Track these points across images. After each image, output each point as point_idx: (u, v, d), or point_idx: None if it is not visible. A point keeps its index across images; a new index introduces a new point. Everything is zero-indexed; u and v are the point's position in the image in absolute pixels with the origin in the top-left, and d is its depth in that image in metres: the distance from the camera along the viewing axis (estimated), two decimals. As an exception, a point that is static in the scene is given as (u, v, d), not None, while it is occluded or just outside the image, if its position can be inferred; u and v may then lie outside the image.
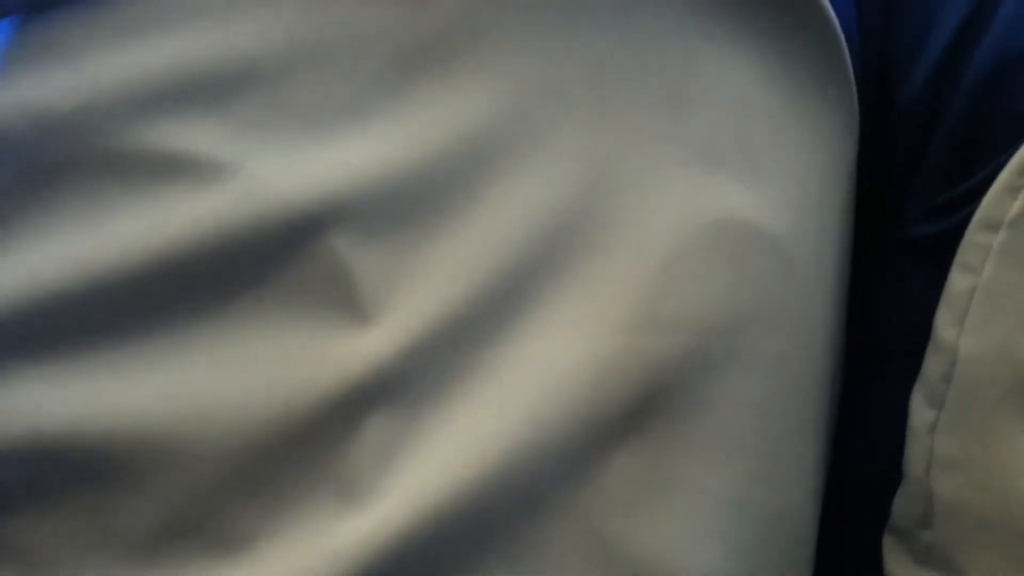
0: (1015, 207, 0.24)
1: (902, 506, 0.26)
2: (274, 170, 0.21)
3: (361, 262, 0.21)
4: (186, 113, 0.21)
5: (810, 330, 0.26)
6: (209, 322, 0.21)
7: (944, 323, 0.25)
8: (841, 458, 0.28)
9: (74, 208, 0.21)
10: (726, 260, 0.24)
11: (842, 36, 0.26)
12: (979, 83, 0.26)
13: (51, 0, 0.21)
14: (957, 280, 0.25)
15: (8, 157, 0.21)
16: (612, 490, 0.22)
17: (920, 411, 0.25)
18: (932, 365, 0.25)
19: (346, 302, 0.21)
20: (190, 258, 0.21)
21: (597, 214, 0.23)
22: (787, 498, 0.25)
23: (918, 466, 0.25)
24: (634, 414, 0.22)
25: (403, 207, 0.22)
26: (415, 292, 0.22)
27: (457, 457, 0.21)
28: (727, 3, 0.24)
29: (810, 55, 0.26)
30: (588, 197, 0.23)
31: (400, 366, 0.21)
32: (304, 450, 0.21)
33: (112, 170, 0.21)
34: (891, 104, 0.28)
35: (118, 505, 0.21)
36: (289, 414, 0.21)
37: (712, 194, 0.24)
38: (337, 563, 0.21)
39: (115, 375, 0.21)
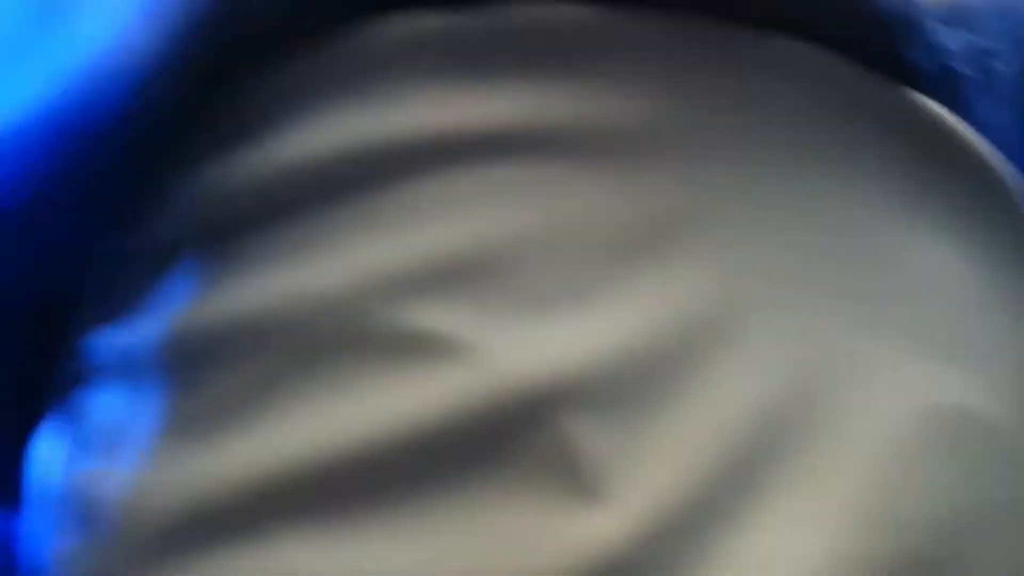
0: None
1: None
2: (508, 349, 0.22)
3: (591, 442, 0.22)
4: (433, 296, 0.23)
5: None
6: (446, 495, 0.22)
7: None
8: None
9: (336, 383, 0.23)
10: (952, 452, 0.24)
11: None
12: None
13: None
14: None
15: (281, 338, 0.23)
16: None
17: None
18: None
19: (575, 481, 0.22)
20: (431, 431, 0.22)
21: (817, 403, 0.23)
22: None
23: None
24: None
25: (627, 389, 0.23)
26: (642, 476, 0.22)
27: None
28: (927, 191, 0.26)
29: (1012, 234, 0.27)
30: (806, 385, 0.23)
31: (629, 550, 0.21)
32: None
33: (369, 348, 0.23)
34: None
35: None
36: None
37: (932, 383, 0.24)
38: None
39: (369, 540, 0.22)
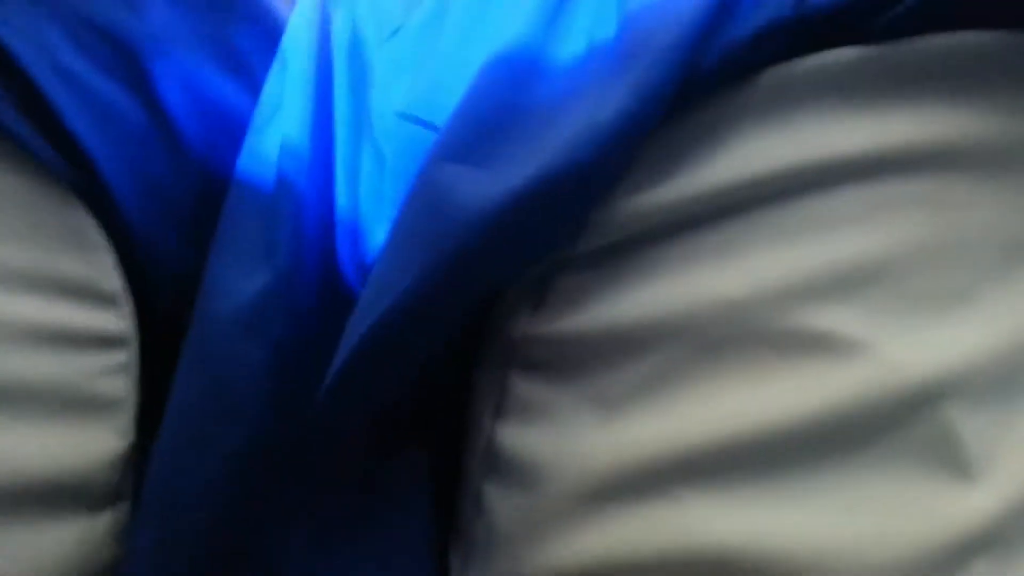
0: None
1: None
2: (899, 349, 0.25)
3: (970, 429, 0.24)
4: (831, 300, 0.25)
5: None
6: (839, 472, 0.25)
7: None
8: None
9: (739, 374, 0.26)
10: None
11: None
12: None
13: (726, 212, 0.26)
14: None
15: (690, 334, 0.26)
16: None
17: None
18: None
19: (956, 463, 0.24)
20: (830, 417, 0.25)
21: None
22: None
23: None
24: None
25: (1004, 382, 0.25)
26: (1014, 458, 0.25)
27: None
28: None
29: None
30: None
31: (1002, 521, 0.24)
32: None
33: (770, 345, 0.25)
34: None
35: None
36: (906, 555, 0.24)
37: None
38: None
39: (766, 507, 0.25)
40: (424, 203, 0.27)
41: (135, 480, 0.34)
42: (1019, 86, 0.25)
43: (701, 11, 0.25)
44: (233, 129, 0.35)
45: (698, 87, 0.26)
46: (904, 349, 0.24)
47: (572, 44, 0.28)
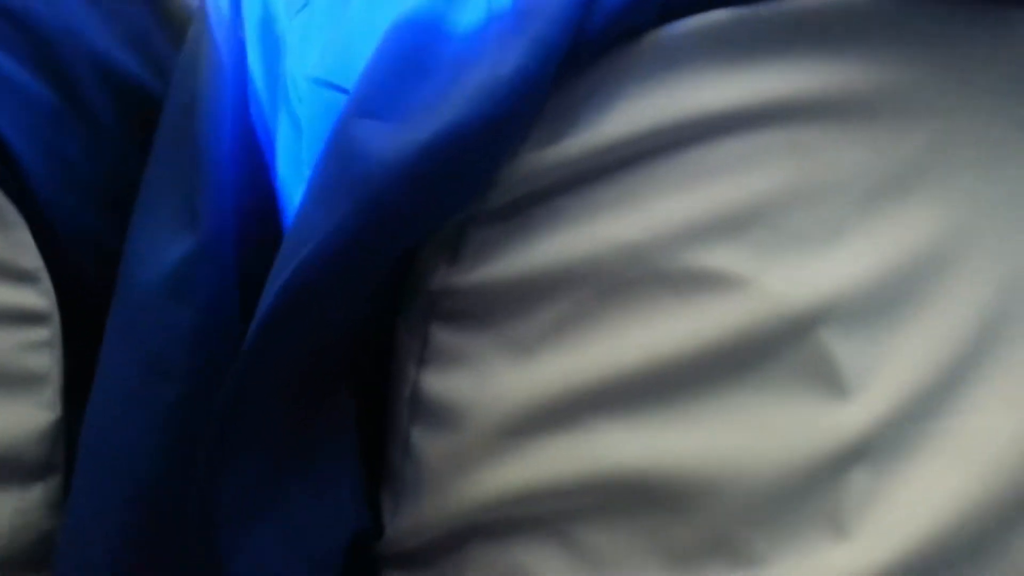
0: None
1: None
2: (778, 282, 0.27)
3: (843, 351, 0.26)
4: (718, 241, 0.27)
5: None
6: (730, 396, 0.27)
7: None
8: None
9: (640, 312, 0.28)
10: None
11: None
12: None
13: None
14: None
15: (592, 278, 0.28)
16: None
17: None
18: None
19: (831, 382, 0.26)
20: (719, 346, 0.27)
21: None
22: None
23: None
24: None
25: (874, 307, 0.27)
26: (885, 375, 0.26)
27: (922, 507, 0.26)
28: None
29: None
30: (1019, 295, 0.28)
31: (876, 432, 0.26)
32: (805, 493, 0.26)
33: (666, 284, 0.27)
34: None
35: (666, 525, 0.27)
36: (791, 465, 0.26)
37: None
38: None
39: (670, 428, 0.27)
40: (337, 157, 0.29)
41: (67, 453, 0.34)
42: (883, 38, 0.28)
43: None
44: (141, 103, 0.35)
45: (587, 48, 0.28)
46: (782, 282, 0.27)
47: (472, 8, 0.29)
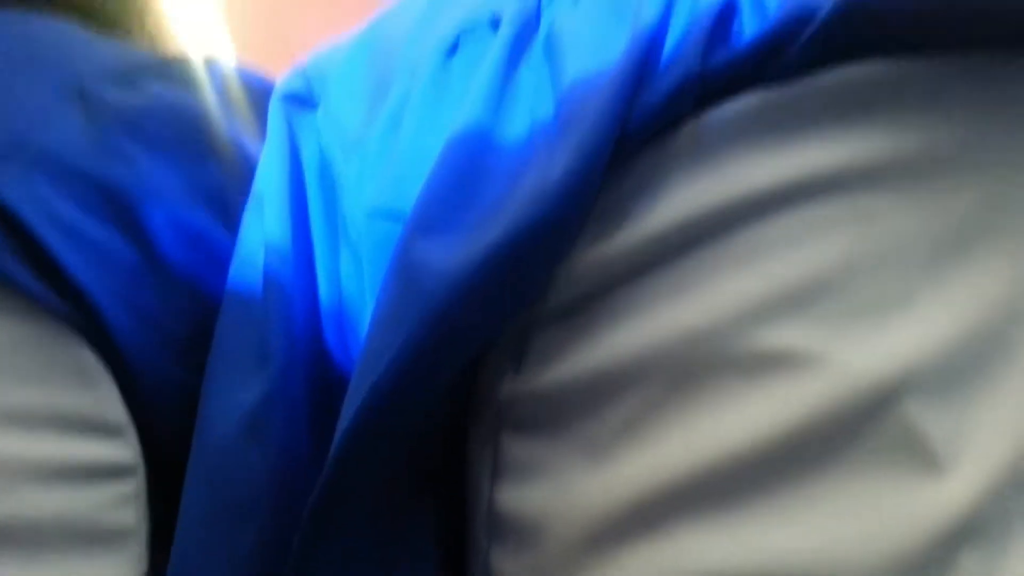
0: None
1: None
2: (852, 356, 0.26)
3: (931, 422, 0.25)
4: (783, 318, 0.27)
5: None
6: (817, 482, 0.26)
7: None
8: None
9: (712, 401, 0.27)
10: None
11: None
12: None
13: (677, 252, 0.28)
14: None
15: (659, 370, 0.28)
16: None
17: None
18: None
19: (924, 457, 0.25)
20: (799, 430, 0.26)
21: None
22: None
23: None
24: None
25: (954, 373, 0.26)
26: (977, 442, 0.25)
27: None
28: None
29: None
30: None
31: (979, 507, 0.25)
32: None
33: (735, 368, 0.27)
34: None
35: None
36: (897, 552, 0.25)
37: None
38: None
39: (753, 527, 0.26)
40: (400, 278, 0.29)
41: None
42: (922, 103, 0.28)
43: (623, 80, 0.28)
44: (216, 257, 0.37)
45: (630, 143, 0.29)
46: (856, 355, 0.26)
47: (518, 121, 0.31)
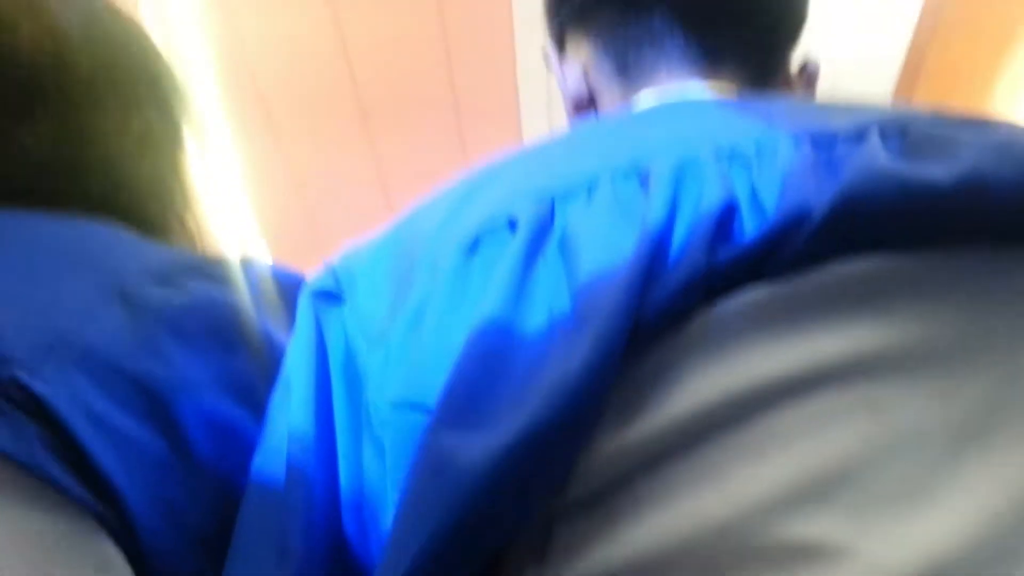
0: None
1: None
2: (880, 548, 0.26)
3: None
4: (807, 508, 0.26)
5: None
6: None
7: None
8: None
9: None
10: None
11: None
12: None
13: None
14: None
15: (687, 563, 0.27)
16: None
17: None
18: None
19: None
20: None
21: None
22: None
23: None
24: None
25: (985, 561, 0.26)
26: None
27: None
28: None
29: None
30: None
31: None
32: None
33: (762, 561, 0.26)
34: None
35: None
36: None
37: None
38: None
39: None
40: (427, 469, 0.30)
41: None
42: (913, 298, 0.30)
43: (635, 276, 0.30)
44: (243, 448, 0.38)
45: (644, 334, 0.30)
46: (884, 547, 0.26)
47: (536, 315, 0.32)
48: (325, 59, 1.62)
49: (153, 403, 0.36)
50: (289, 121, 1.71)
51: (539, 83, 1.65)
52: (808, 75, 0.51)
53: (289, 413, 0.37)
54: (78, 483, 0.33)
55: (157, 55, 0.52)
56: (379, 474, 0.35)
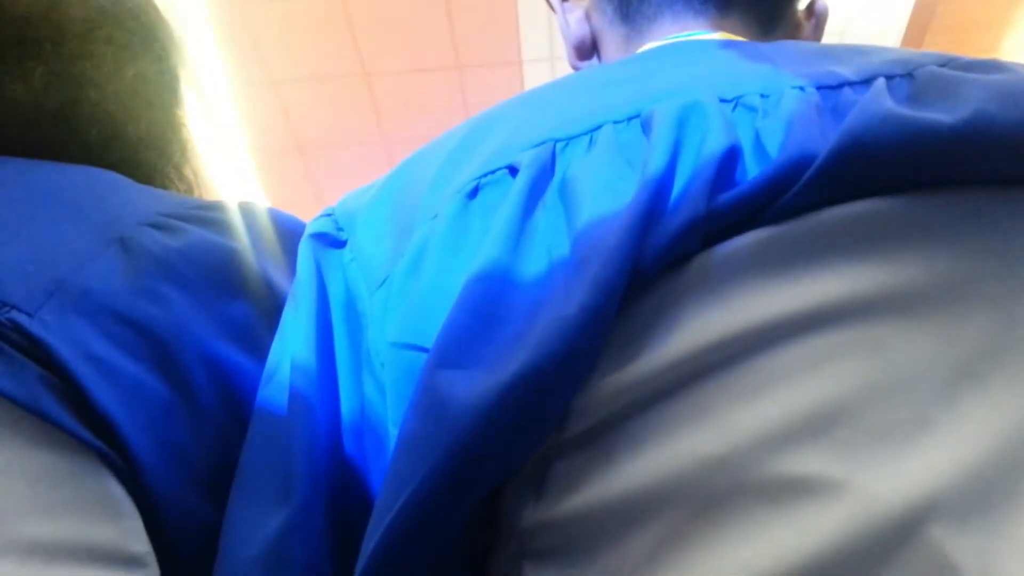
0: None
1: None
2: (874, 482, 0.26)
3: (959, 548, 0.25)
4: (803, 445, 0.27)
5: None
6: None
7: None
8: None
9: (735, 529, 0.27)
10: None
11: None
12: None
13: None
14: None
15: (679, 497, 0.28)
16: None
17: None
18: None
19: None
20: (825, 558, 0.26)
21: None
22: None
23: None
24: None
25: (980, 496, 0.26)
26: (1007, 569, 0.25)
27: None
28: None
29: None
30: None
31: None
32: None
33: (757, 495, 0.27)
34: None
35: None
36: None
37: None
38: None
39: None
40: (424, 408, 0.30)
41: None
42: (913, 240, 0.29)
43: (634, 220, 0.30)
44: (244, 390, 0.38)
45: (642, 278, 0.30)
46: (879, 481, 0.26)
47: (535, 259, 0.32)
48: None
49: (153, 346, 0.36)
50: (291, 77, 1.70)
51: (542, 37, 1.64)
52: (816, 17, 0.50)
53: (292, 349, 0.37)
54: (81, 424, 0.33)
55: (154, 8, 0.51)
56: (381, 407, 0.35)
